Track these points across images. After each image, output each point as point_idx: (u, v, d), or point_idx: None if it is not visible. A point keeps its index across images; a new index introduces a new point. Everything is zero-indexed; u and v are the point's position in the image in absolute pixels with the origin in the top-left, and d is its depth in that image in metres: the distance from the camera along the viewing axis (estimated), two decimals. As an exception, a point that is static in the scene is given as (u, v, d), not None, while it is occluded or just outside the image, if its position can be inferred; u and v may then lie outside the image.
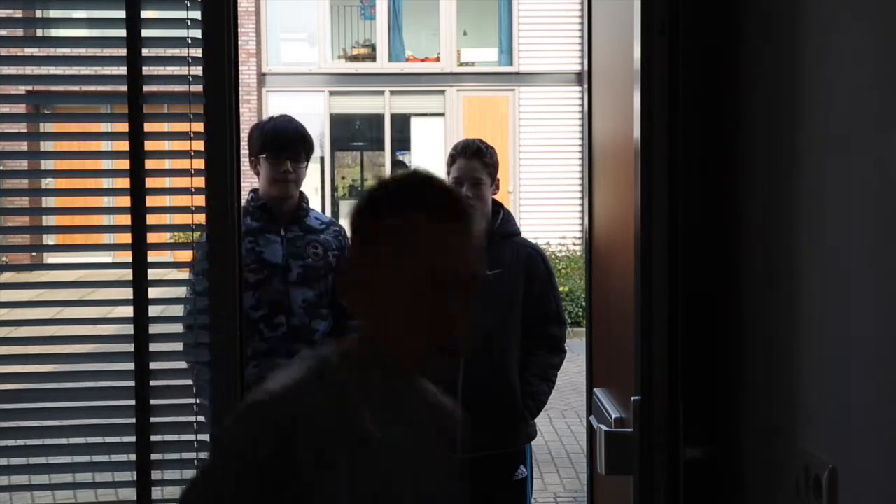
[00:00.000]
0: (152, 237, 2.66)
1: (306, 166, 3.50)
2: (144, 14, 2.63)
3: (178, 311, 3.14)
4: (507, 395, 3.42)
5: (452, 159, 3.49)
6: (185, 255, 2.99)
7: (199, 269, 2.92)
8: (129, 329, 2.63)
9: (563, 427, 7.31)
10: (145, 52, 2.63)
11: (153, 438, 2.63)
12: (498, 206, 3.58)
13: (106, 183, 2.97)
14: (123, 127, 2.62)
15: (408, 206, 1.51)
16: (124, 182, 2.63)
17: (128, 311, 2.63)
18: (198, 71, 2.63)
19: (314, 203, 15.83)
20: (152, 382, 2.63)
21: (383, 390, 1.60)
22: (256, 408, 1.51)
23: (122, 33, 2.61)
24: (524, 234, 3.66)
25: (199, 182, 2.64)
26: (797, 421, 1.61)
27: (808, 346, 1.57)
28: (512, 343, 3.46)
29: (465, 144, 3.50)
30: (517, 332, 3.47)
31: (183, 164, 2.67)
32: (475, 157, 3.44)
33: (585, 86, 3.06)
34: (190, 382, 2.67)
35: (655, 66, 1.93)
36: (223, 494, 1.50)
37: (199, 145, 2.65)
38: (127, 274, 2.65)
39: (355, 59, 17.54)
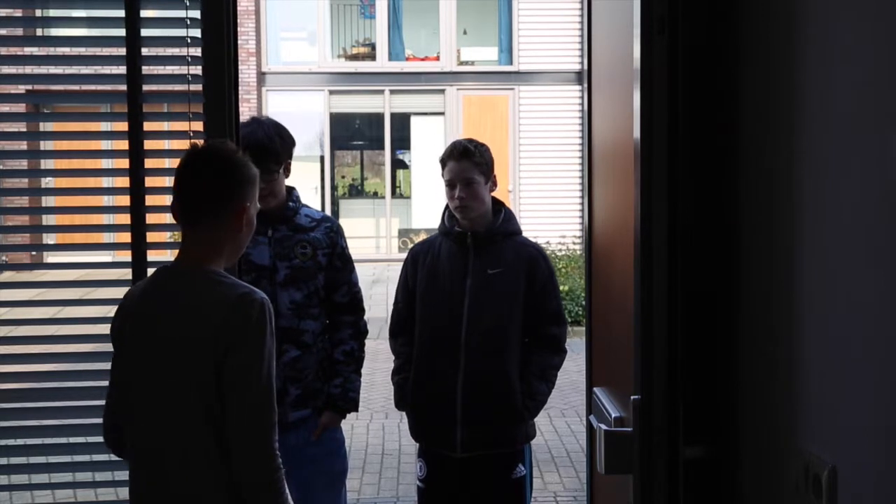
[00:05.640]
0: (152, 236, 2.66)
1: (285, 168, 3.41)
2: (144, 13, 2.63)
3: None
4: (507, 394, 3.43)
5: (443, 163, 3.50)
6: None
7: None
8: (128, 328, 2.62)
9: (563, 426, 7.31)
10: (145, 51, 2.63)
11: (153, 438, 2.63)
12: (499, 205, 3.58)
13: (106, 182, 2.98)
14: (123, 126, 2.63)
15: None
16: (124, 181, 2.64)
17: (127, 310, 2.63)
18: (197, 70, 2.63)
19: (314, 203, 15.83)
20: (152, 382, 2.63)
21: None
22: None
23: (122, 32, 2.61)
24: (524, 233, 3.66)
25: (199, 181, 2.64)
26: (797, 421, 1.61)
27: (808, 345, 1.57)
28: (512, 342, 3.46)
29: (452, 147, 3.51)
30: (517, 332, 3.47)
31: (182, 163, 2.67)
32: (464, 158, 3.45)
33: (585, 85, 3.05)
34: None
35: (655, 66, 1.92)
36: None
37: (198, 144, 2.65)
38: (126, 273, 2.66)
39: (355, 57, 17.54)
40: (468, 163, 3.44)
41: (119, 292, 2.67)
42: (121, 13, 2.61)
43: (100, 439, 2.73)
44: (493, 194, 3.56)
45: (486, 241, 3.49)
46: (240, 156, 2.35)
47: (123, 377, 2.32)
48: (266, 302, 2.23)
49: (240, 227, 2.32)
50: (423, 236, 15.12)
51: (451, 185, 3.46)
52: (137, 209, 2.63)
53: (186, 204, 2.32)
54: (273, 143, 3.32)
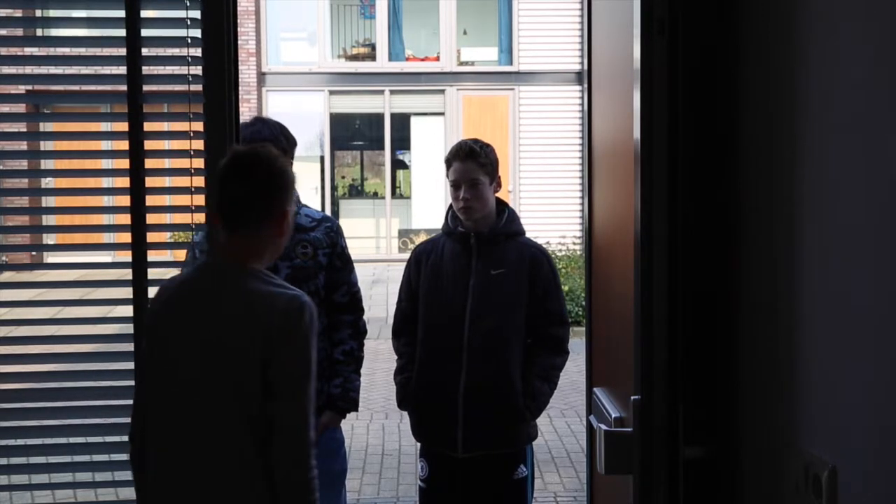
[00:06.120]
0: (152, 236, 2.66)
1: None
2: (144, 13, 2.63)
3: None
4: (509, 395, 3.42)
5: (448, 163, 3.50)
6: (185, 255, 2.99)
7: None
8: (129, 328, 2.63)
9: (563, 426, 7.31)
10: (145, 51, 2.63)
11: (153, 438, 2.63)
12: (503, 205, 3.58)
13: (106, 182, 2.98)
14: (123, 126, 2.62)
15: None
16: (124, 181, 2.63)
17: (127, 310, 2.63)
18: (197, 70, 2.63)
19: (314, 203, 15.86)
20: (152, 382, 2.63)
21: None
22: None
23: (122, 33, 2.61)
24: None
25: (199, 181, 2.64)
26: (797, 421, 1.61)
27: (808, 346, 1.57)
28: (514, 343, 3.46)
29: (458, 147, 3.51)
30: (520, 333, 3.47)
31: (182, 163, 2.67)
32: (469, 159, 3.45)
33: (585, 85, 3.06)
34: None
35: (655, 66, 1.93)
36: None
37: (198, 144, 2.65)
38: (127, 273, 2.65)
39: (355, 58, 17.53)
40: (474, 163, 3.44)
41: (119, 292, 2.67)
42: (121, 13, 2.61)
43: (100, 439, 2.74)
44: (496, 195, 3.57)
45: (489, 242, 3.49)
46: (283, 161, 2.38)
47: (159, 376, 2.30)
48: (313, 305, 2.27)
49: (282, 231, 2.36)
50: (422, 236, 15.12)
51: (456, 185, 3.46)
52: (138, 209, 2.63)
53: (231, 207, 2.33)
54: (279, 142, 3.34)
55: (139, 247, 2.63)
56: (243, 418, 2.21)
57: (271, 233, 2.34)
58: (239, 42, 2.68)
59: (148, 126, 2.64)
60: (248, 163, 2.35)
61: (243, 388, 2.20)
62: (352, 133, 17.81)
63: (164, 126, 2.79)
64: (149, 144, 2.64)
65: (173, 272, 3.12)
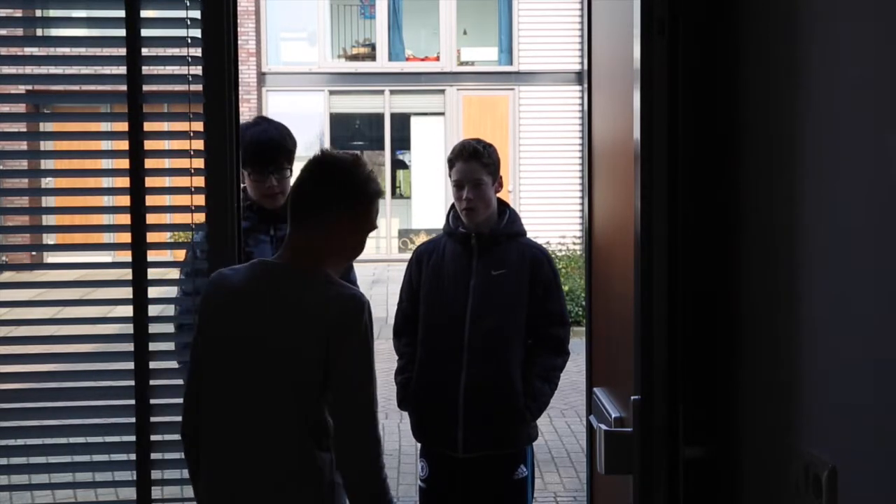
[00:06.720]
0: (152, 236, 2.66)
1: (291, 170, 3.45)
2: (144, 13, 2.63)
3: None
4: (509, 395, 3.43)
5: (451, 163, 3.51)
6: (185, 255, 2.98)
7: (188, 270, 2.92)
8: (129, 328, 2.63)
9: (563, 426, 7.31)
10: (145, 51, 2.63)
11: (153, 438, 2.63)
12: (504, 206, 3.59)
13: (106, 182, 2.98)
14: (123, 126, 2.62)
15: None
16: (124, 181, 2.63)
17: (127, 310, 2.63)
18: (197, 70, 2.63)
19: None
20: (152, 382, 2.63)
21: None
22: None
23: (122, 33, 2.61)
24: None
25: (199, 181, 2.64)
26: (797, 421, 1.61)
27: (808, 345, 1.57)
28: (515, 344, 3.46)
29: (461, 147, 3.51)
30: (520, 333, 3.48)
31: (182, 163, 2.67)
32: (473, 159, 3.45)
33: (585, 85, 3.05)
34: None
35: (655, 66, 1.92)
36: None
37: (198, 144, 2.65)
38: (127, 273, 2.65)
39: (355, 58, 17.53)
40: (477, 164, 3.45)
41: (119, 292, 2.67)
42: (121, 13, 2.61)
43: (100, 439, 2.74)
44: (497, 195, 3.57)
45: (490, 242, 3.49)
46: (360, 175, 2.42)
47: (214, 375, 2.31)
48: (370, 304, 2.29)
49: (329, 237, 2.36)
50: (422, 236, 15.12)
51: (459, 185, 3.47)
52: (137, 209, 2.63)
53: (289, 203, 2.38)
54: (286, 142, 3.37)
55: (139, 247, 2.63)
56: (301, 417, 2.22)
57: (321, 236, 2.34)
58: (239, 42, 2.68)
59: (148, 126, 2.64)
60: (316, 165, 2.41)
61: (303, 387, 2.21)
62: (352, 133, 17.81)
63: (164, 126, 2.79)
64: (149, 144, 2.64)
65: (173, 272, 3.13)
